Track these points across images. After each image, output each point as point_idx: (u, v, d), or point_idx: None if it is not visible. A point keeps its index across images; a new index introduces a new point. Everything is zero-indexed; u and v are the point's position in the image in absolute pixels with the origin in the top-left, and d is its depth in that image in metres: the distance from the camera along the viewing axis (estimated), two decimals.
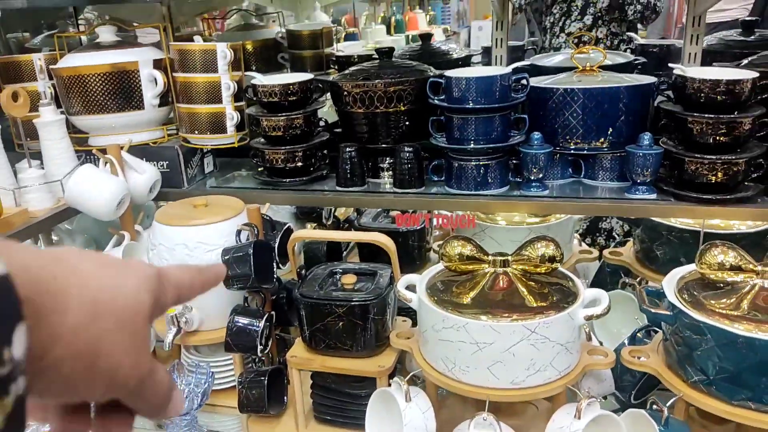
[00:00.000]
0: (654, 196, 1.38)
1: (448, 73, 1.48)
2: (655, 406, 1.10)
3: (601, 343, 1.55)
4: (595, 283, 1.85)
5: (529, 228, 1.58)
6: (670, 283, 1.19)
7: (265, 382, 1.39)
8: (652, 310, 1.15)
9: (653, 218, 1.52)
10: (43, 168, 1.57)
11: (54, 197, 1.54)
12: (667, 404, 1.09)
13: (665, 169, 1.41)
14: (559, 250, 1.19)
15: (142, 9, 1.95)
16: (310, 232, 1.50)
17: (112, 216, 1.49)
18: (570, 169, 1.54)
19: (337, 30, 2.38)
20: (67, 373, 0.34)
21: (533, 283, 1.20)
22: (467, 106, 1.45)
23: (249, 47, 2.28)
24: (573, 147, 1.49)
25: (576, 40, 2.31)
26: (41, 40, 2.31)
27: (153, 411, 0.41)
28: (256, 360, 1.47)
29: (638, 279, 1.58)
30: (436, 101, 1.49)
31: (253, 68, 2.25)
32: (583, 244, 1.82)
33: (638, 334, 1.37)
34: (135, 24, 1.97)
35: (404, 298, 1.26)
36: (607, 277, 1.80)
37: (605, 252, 1.68)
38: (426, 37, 2.04)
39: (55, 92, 1.66)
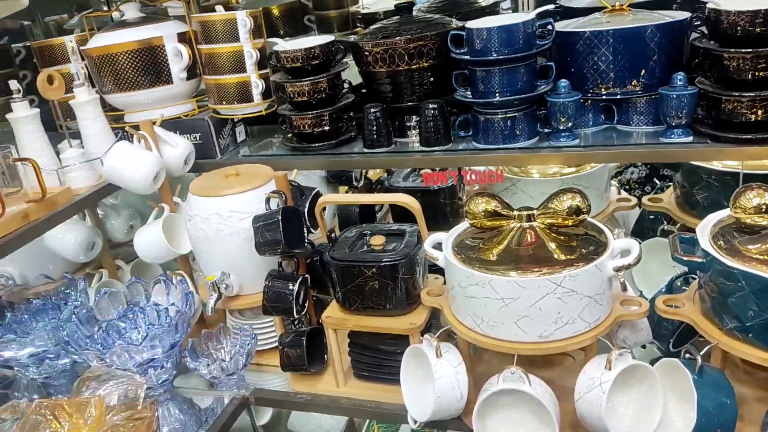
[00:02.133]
0: (690, 138, 1.32)
1: (469, 24, 1.44)
2: (688, 355, 1.08)
3: (641, 293, 1.54)
4: (635, 232, 1.81)
5: (562, 179, 1.55)
6: (704, 229, 1.15)
7: (304, 342, 1.44)
8: (684, 258, 1.12)
9: (691, 162, 1.46)
10: (83, 147, 1.64)
11: (95, 174, 1.60)
12: (701, 352, 1.06)
13: (702, 110, 1.34)
14: (585, 202, 1.16)
15: None
16: (335, 197, 1.52)
17: (149, 190, 1.54)
18: (602, 116, 1.48)
19: None
20: None
21: (561, 236, 1.18)
22: (490, 57, 1.40)
23: (275, 12, 2.28)
24: (604, 92, 1.43)
25: None
26: (77, 20, 2.37)
27: None
28: (295, 321, 1.52)
29: (678, 225, 1.53)
30: (459, 55, 1.46)
31: (281, 32, 2.25)
32: (622, 192, 1.76)
33: (676, 282, 1.34)
34: None
35: (431, 257, 1.26)
36: (648, 225, 1.75)
37: (644, 199, 1.63)
38: None
39: (89, 72, 1.71)
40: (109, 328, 1.52)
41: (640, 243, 1.17)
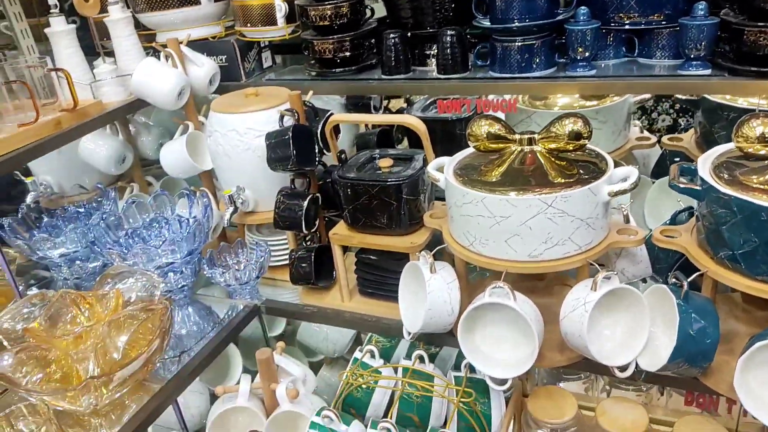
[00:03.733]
0: (708, 71, 1.29)
1: None
2: (674, 280, 1.09)
3: (650, 231, 1.53)
4: (654, 173, 1.78)
5: (578, 112, 1.53)
6: (706, 159, 1.13)
7: (312, 257, 1.51)
8: (681, 185, 1.11)
9: (711, 98, 1.42)
10: (116, 64, 1.71)
11: (126, 90, 1.68)
12: (689, 279, 1.07)
13: (724, 44, 1.30)
14: (587, 127, 1.16)
15: None
16: (345, 116, 1.55)
17: (174, 105, 1.61)
18: (624, 48, 1.45)
19: None
20: None
21: (561, 161, 1.19)
22: None
23: None
24: (627, 22, 1.40)
25: None
26: None
27: None
28: (307, 238, 1.58)
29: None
30: None
31: None
32: (644, 131, 1.73)
33: (680, 216, 1.33)
34: None
35: (432, 178, 1.29)
36: (668, 166, 1.72)
37: (664, 138, 1.60)
38: None
39: None
40: (134, 234, 1.62)
41: (651, 183, 1.17)
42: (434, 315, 1.23)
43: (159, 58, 1.65)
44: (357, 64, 1.67)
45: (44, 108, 1.52)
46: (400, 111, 1.89)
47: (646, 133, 1.70)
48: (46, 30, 1.62)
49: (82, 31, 1.78)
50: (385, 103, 1.98)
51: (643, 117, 1.97)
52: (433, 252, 1.26)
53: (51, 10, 1.61)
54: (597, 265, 1.13)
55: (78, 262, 1.67)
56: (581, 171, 1.17)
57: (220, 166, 1.60)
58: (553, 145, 1.20)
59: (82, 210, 1.76)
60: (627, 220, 1.28)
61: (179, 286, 1.56)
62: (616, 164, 1.24)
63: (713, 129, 1.45)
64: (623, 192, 1.12)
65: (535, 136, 1.21)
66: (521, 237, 1.13)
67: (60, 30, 1.61)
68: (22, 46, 1.77)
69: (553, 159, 1.19)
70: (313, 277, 1.51)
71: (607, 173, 1.15)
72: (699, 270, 1.12)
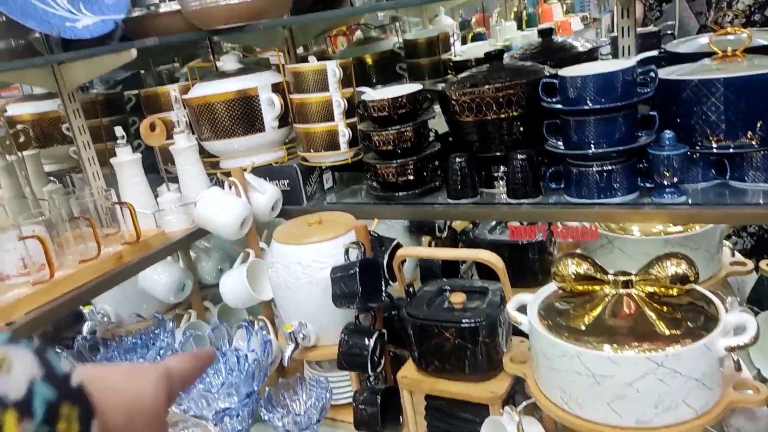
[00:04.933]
0: None
1: (562, 72, 1.37)
2: None
3: (758, 372, 1.36)
4: (751, 300, 1.61)
5: (666, 239, 1.41)
6: None
7: (378, 400, 1.39)
8: None
9: None
10: (180, 191, 1.70)
11: (189, 218, 1.66)
12: None
13: None
14: (693, 269, 1.04)
15: (267, 33, 2.04)
16: (414, 250, 1.47)
17: (236, 235, 1.57)
18: (713, 171, 1.34)
19: (455, 33, 2.31)
20: None
21: (662, 307, 1.06)
22: (585, 107, 1.32)
23: (368, 60, 2.31)
24: (715, 146, 1.30)
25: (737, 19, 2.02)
26: (183, 71, 2.52)
27: None
28: (371, 378, 1.47)
29: None
30: (551, 104, 1.39)
31: (373, 80, 2.28)
32: (736, 254, 1.58)
33: None
34: (257, 49, 2.07)
35: (514, 321, 1.17)
36: (766, 293, 1.55)
37: (762, 263, 1.45)
38: (546, 33, 1.92)
39: (189, 120, 1.80)
40: None
41: (756, 315, 1.03)
42: None
43: (222, 187, 1.63)
44: (420, 187, 1.61)
45: (105, 239, 1.50)
46: (464, 231, 1.81)
47: (739, 257, 1.55)
48: (112, 160, 1.64)
49: (147, 152, 1.80)
50: (449, 222, 1.91)
51: (732, 236, 1.83)
52: (519, 408, 1.12)
53: (118, 140, 1.63)
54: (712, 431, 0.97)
55: None
56: (687, 318, 1.04)
57: (282, 297, 1.52)
58: (653, 289, 1.07)
59: (138, 341, 1.71)
60: (739, 368, 1.13)
61: (235, 431, 1.45)
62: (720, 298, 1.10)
63: None
64: (743, 347, 0.98)
65: (633, 277, 1.09)
66: (626, 400, 0.98)
67: (126, 160, 1.63)
68: (88, 173, 1.79)
69: (654, 304, 1.06)
70: (379, 423, 1.38)
71: (720, 323, 1.01)
72: None
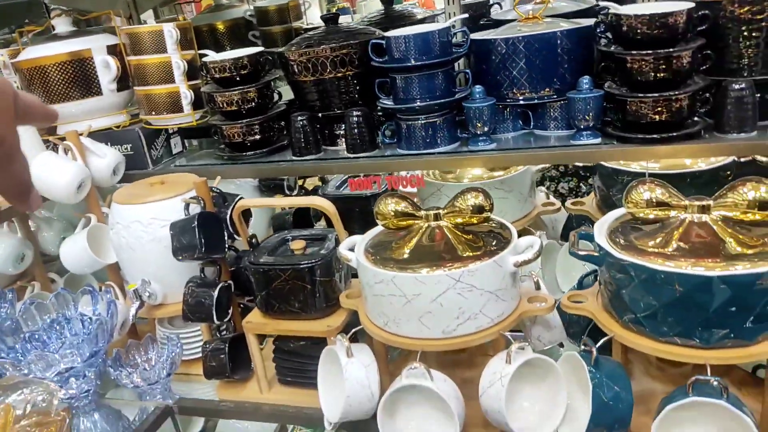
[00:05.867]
0: (598, 140, 1.36)
1: (388, 33, 1.47)
2: (584, 347, 1.10)
3: (563, 293, 1.56)
4: (564, 237, 1.84)
5: (484, 183, 1.58)
6: (602, 225, 1.18)
7: (226, 349, 1.44)
8: (580, 253, 1.14)
9: (605, 164, 1.50)
10: None
11: None
12: (597, 345, 1.08)
13: (611, 113, 1.39)
14: (488, 200, 1.19)
15: None
16: (251, 201, 1.53)
17: (73, 200, 1.54)
18: (520, 122, 1.52)
19: (304, 2, 2.37)
20: None
21: (467, 235, 1.20)
22: (408, 64, 1.44)
23: (220, 27, 2.30)
24: (521, 98, 1.47)
25: None
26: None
27: (14, 193, 0.52)
28: (221, 329, 1.51)
29: None
30: (380, 63, 1.49)
31: (226, 47, 2.28)
32: (551, 196, 1.80)
33: (587, 279, 1.36)
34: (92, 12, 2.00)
35: (344, 258, 1.27)
36: (574, 227, 1.78)
37: (567, 203, 1.66)
38: (388, 2, 2.03)
39: (21, 85, 1.72)
40: (32, 339, 1.50)
41: (560, 246, 1.20)
42: (354, 402, 1.19)
43: (57, 152, 1.59)
44: (267, 146, 1.66)
45: None
46: (315, 189, 1.89)
47: (552, 199, 1.77)
48: None
49: None
50: (300, 182, 1.98)
51: (550, 183, 2.06)
52: (350, 334, 1.23)
53: None
54: (509, 337, 1.13)
55: None
56: (486, 242, 1.19)
57: (125, 259, 1.52)
58: (458, 220, 1.21)
59: None
60: (538, 287, 1.30)
61: (83, 391, 1.44)
62: (521, 233, 1.27)
63: (611, 192, 1.52)
64: (527, 262, 1.14)
65: (441, 211, 1.22)
66: (433, 314, 1.12)
67: None
68: None
69: (459, 233, 1.20)
70: (228, 370, 1.44)
71: (511, 244, 1.17)
72: (607, 334, 1.14)
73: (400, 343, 1.16)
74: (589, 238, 1.18)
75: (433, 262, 1.13)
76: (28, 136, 1.63)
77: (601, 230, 1.16)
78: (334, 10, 4.20)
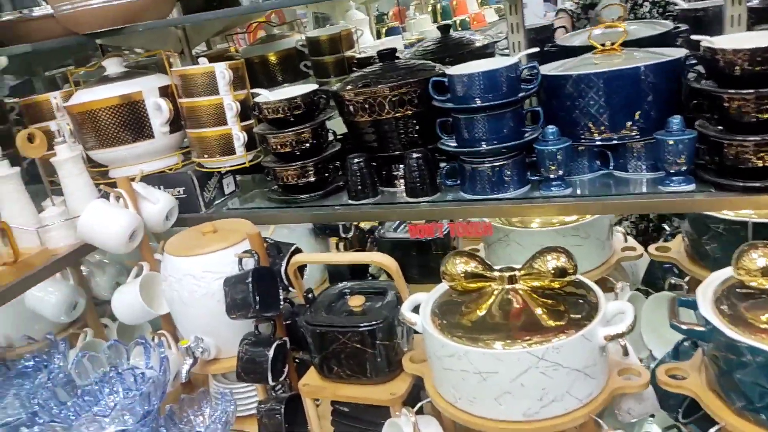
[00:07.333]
0: (692, 187, 1.21)
1: (450, 70, 1.37)
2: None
3: (650, 353, 1.41)
4: (645, 282, 1.68)
5: (557, 230, 1.45)
6: (706, 290, 1.03)
7: (282, 410, 1.35)
8: (683, 327, 1.00)
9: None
10: (65, 205, 1.60)
11: (75, 233, 1.56)
12: None
13: (705, 155, 1.24)
14: (571, 262, 1.06)
15: (156, 34, 1.94)
16: (308, 257, 1.44)
17: (125, 249, 1.49)
18: (597, 162, 1.39)
19: (358, 30, 2.29)
20: None
21: (547, 300, 1.08)
22: (473, 105, 1.33)
23: (272, 58, 2.25)
24: (598, 137, 1.34)
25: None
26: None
27: None
28: (276, 387, 1.43)
29: (687, 278, 1.41)
30: (441, 102, 1.39)
31: (278, 79, 2.22)
32: (629, 239, 1.64)
33: (684, 344, 1.21)
34: (141, 51, 1.97)
35: (408, 322, 1.17)
36: (659, 275, 1.62)
37: (651, 248, 1.51)
38: (444, 29, 1.93)
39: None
40: (85, 394, 1.46)
41: (647, 296, 1.06)
42: None
43: (109, 199, 1.54)
44: (322, 188, 1.58)
45: None
46: (372, 230, 1.80)
47: (630, 241, 1.61)
48: None
49: (32, 165, 1.68)
50: (355, 222, 1.89)
51: (628, 224, 1.90)
52: (416, 408, 1.12)
53: None
54: (600, 421, 1.00)
55: (24, 429, 1.48)
56: (571, 309, 1.06)
57: (177, 311, 1.46)
58: (536, 283, 1.09)
59: (30, 364, 1.60)
60: (626, 352, 1.17)
61: None
62: (599, 282, 1.13)
63: (702, 240, 1.36)
64: (621, 335, 1.01)
65: (516, 273, 1.10)
66: (513, 394, 1.00)
67: (3, 176, 1.51)
68: None
69: (537, 297, 1.08)
70: (284, 431, 1.35)
71: (600, 312, 1.04)
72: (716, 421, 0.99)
73: (474, 423, 1.04)
74: (691, 306, 1.03)
75: (511, 334, 1.01)
76: (80, 183, 1.60)
77: (705, 297, 1.01)
78: (384, 31, 4.13)
